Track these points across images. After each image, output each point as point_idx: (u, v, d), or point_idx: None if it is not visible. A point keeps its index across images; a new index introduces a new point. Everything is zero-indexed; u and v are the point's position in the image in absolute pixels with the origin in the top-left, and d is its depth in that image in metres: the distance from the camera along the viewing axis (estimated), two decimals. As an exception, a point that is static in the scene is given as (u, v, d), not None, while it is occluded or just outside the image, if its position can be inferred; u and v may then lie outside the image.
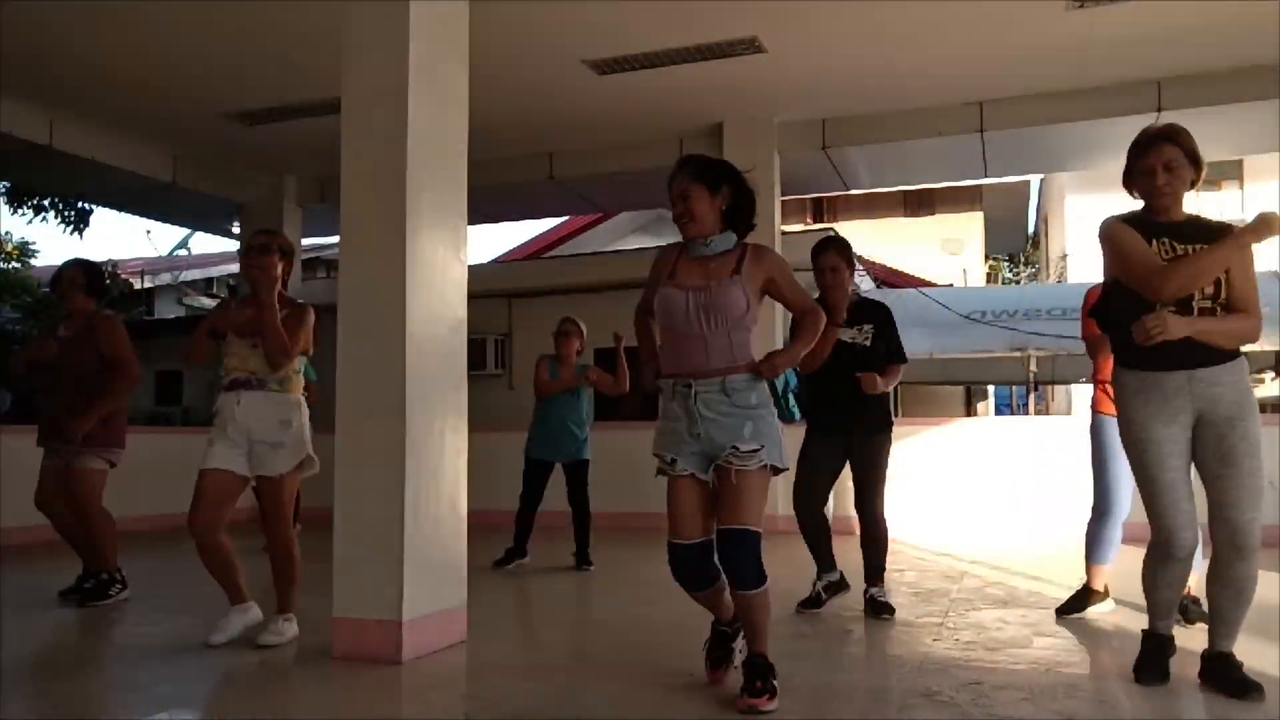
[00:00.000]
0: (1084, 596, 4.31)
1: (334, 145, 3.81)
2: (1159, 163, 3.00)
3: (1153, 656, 3.09)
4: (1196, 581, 3.71)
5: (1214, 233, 2.97)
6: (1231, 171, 16.72)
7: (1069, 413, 16.05)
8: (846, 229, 13.92)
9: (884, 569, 4.41)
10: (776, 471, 2.98)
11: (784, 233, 8.97)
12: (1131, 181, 3.14)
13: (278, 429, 3.81)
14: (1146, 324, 2.81)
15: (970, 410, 17.51)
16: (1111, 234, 3.04)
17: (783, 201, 8.95)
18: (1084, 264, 16.91)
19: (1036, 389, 15.90)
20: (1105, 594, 4.32)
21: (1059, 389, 17.32)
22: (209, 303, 15.73)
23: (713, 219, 3.06)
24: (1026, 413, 17.29)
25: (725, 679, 3.10)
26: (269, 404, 3.83)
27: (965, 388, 16.65)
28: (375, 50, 3.74)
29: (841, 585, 4.52)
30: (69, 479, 4.77)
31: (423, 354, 3.68)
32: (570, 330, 6.07)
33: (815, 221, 17.16)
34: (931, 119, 8.11)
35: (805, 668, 3.37)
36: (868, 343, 4.30)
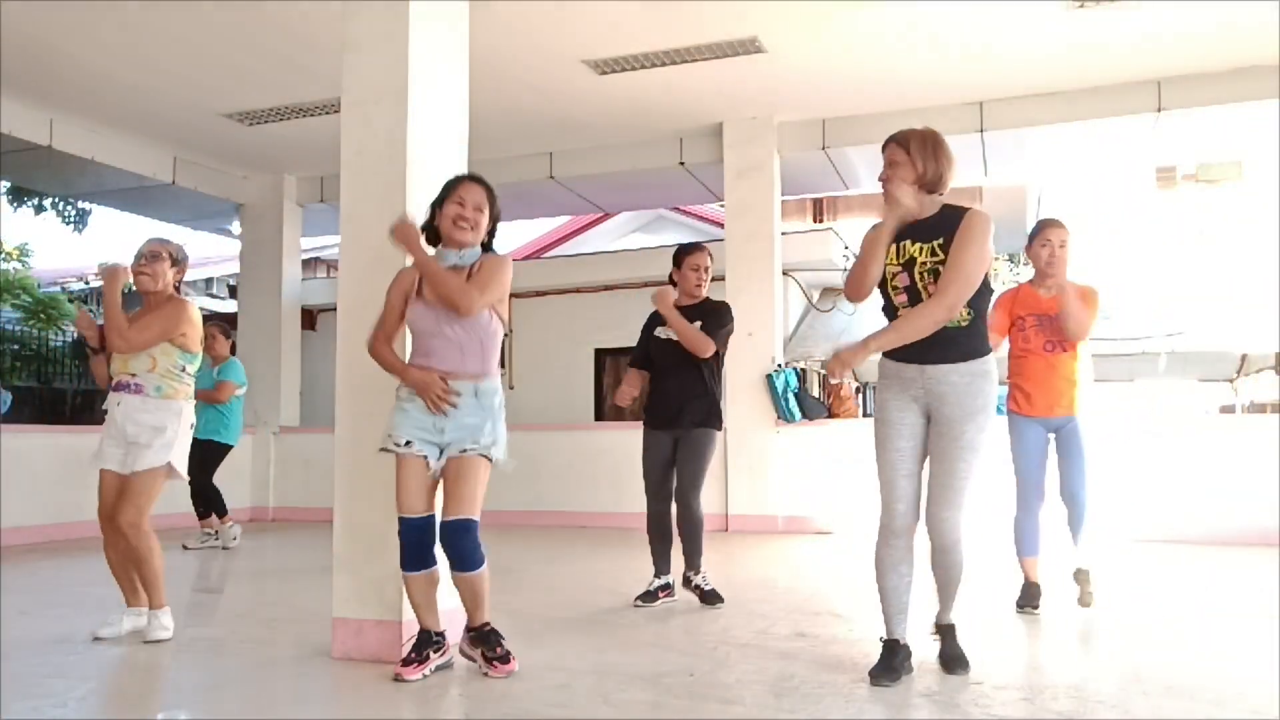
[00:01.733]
0: (1031, 591, 4.35)
1: (334, 145, 3.81)
2: (885, 159, 3.18)
3: (888, 657, 3.14)
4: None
5: (949, 222, 3.06)
6: (1231, 171, 16.73)
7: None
8: (846, 229, 13.92)
9: (701, 554, 4.62)
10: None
11: (784, 233, 8.97)
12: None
13: (149, 433, 3.90)
14: (829, 367, 3.13)
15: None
16: (862, 243, 3.26)
17: (783, 201, 8.94)
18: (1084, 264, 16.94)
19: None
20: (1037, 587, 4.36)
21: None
22: (209, 303, 15.74)
23: (484, 223, 3.37)
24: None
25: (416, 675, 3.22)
26: (145, 409, 3.92)
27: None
28: (375, 50, 3.74)
29: (670, 590, 4.66)
30: None
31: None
32: None
33: (815, 221, 17.15)
34: (931, 119, 8.03)
35: (804, 667, 3.37)
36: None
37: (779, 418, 7.90)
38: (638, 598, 4.62)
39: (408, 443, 3.22)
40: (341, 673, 3.39)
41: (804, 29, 6.60)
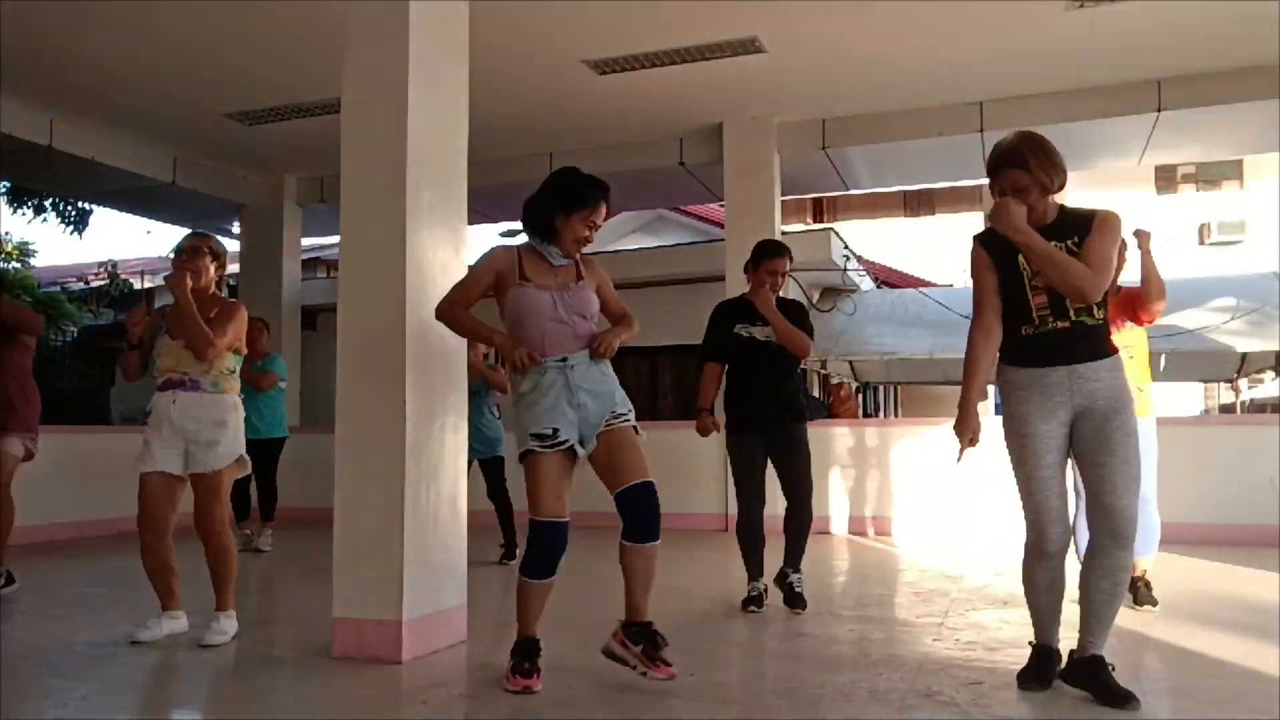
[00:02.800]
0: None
1: (334, 145, 3.81)
2: (1006, 185, 3.02)
3: (1038, 665, 3.05)
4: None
5: (1079, 223, 2.99)
6: (1231, 171, 16.71)
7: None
8: (846, 229, 13.93)
9: (803, 555, 4.51)
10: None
11: (784, 233, 8.97)
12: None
13: (213, 429, 3.85)
14: (996, 213, 2.95)
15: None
16: (970, 261, 3.14)
17: (783, 201, 8.94)
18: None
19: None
20: None
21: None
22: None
23: None
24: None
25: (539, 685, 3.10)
26: (204, 405, 3.86)
27: (965, 388, 16.63)
28: (375, 50, 3.74)
29: (764, 598, 4.53)
30: None
31: (423, 354, 3.68)
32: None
33: (815, 221, 17.16)
34: (931, 119, 8.10)
35: (805, 668, 3.37)
36: (773, 339, 4.46)
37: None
38: (747, 605, 4.45)
39: (555, 431, 3.09)
40: (341, 673, 3.39)
41: (804, 29, 6.60)
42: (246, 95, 7.77)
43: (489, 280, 3.28)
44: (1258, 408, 14.52)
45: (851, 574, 5.86)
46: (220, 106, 8.01)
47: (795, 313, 4.54)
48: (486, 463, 6.32)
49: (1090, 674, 2.92)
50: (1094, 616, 2.95)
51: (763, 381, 4.49)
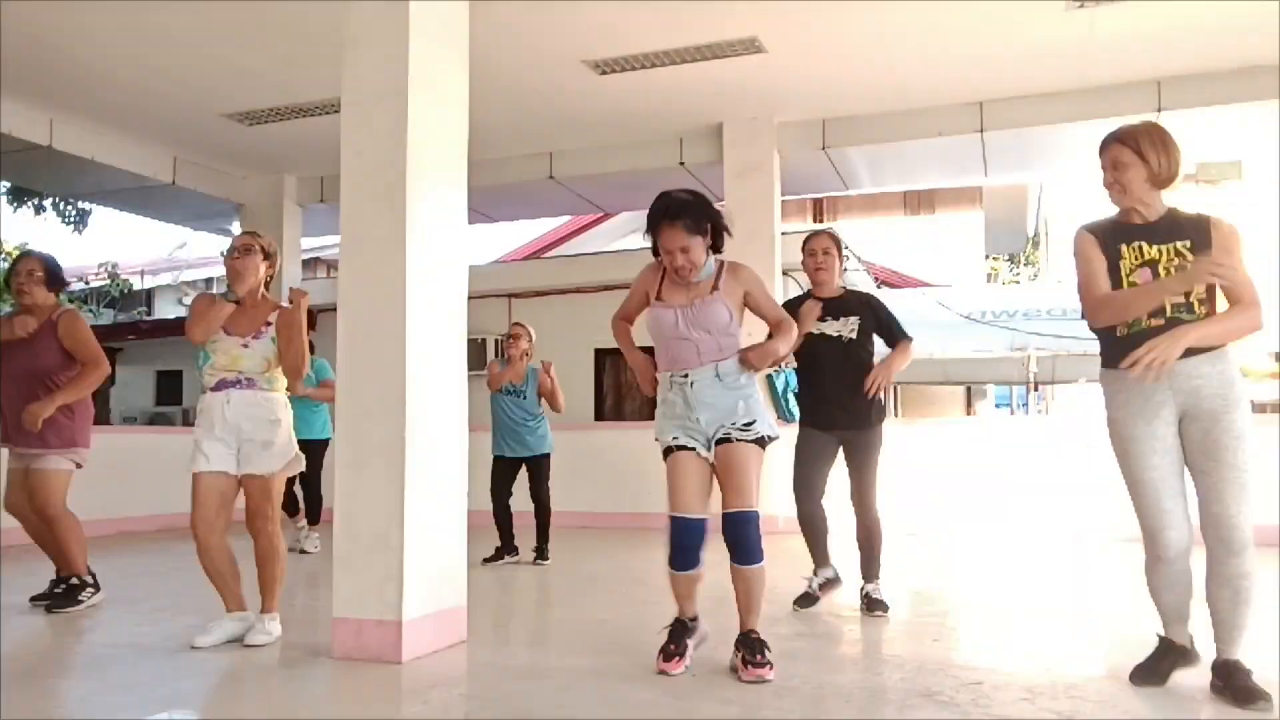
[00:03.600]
0: None
1: (334, 145, 3.81)
2: (1106, 162, 2.99)
3: (1155, 659, 3.04)
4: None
5: (1190, 226, 2.92)
6: (1231, 171, 16.70)
7: (1067, 412, 16.05)
8: (846, 229, 13.92)
9: (879, 564, 4.39)
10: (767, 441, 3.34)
11: (784, 233, 8.96)
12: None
13: (268, 428, 3.81)
14: (1141, 363, 2.73)
15: (970, 410, 17.52)
16: (1075, 247, 3.04)
17: (783, 201, 8.94)
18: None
19: (1037, 389, 15.89)
20: None
21: (1059, 389, 17.32)
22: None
23: (705, 257, 3.35)
24: (1027, 413, 17.29)
25: (679, 669, 3.25)
26: (258, 403, 3.83)
27: (965, 388, 16.65)
28: (375, 50, 3.74)
29: (835, 582, 4.50)
30: (30, 482, 4.57)
31: (423, 354, 3.68)
32: (518, 333, 6.32)
33: (815, 221, 17.15)
34: (931, 119, 8.10)
35: (805, 667, 3.37)
36: (853, 335, 4.34)
37: (779, 417, 7.87)
38: (797, 599, 4.43)
39: (674, 437, 3.30)
40: (341, 673, 3.39)
41: (804, 29, 6.60)
42: (246, 95, 7.77)
43: (640, 297, 3.50)
44: (1258, 408, 14.52)
45: (851, 574, 5.86)
46: (220, 106, 8.01)
47: (872, 310, 4.42)
48: (530, 462, 6.29)
49: (1224, 678, 2.87)
50: (1220, 624, 2.88)
51: (832, 380, 4.35)
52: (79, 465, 4.73)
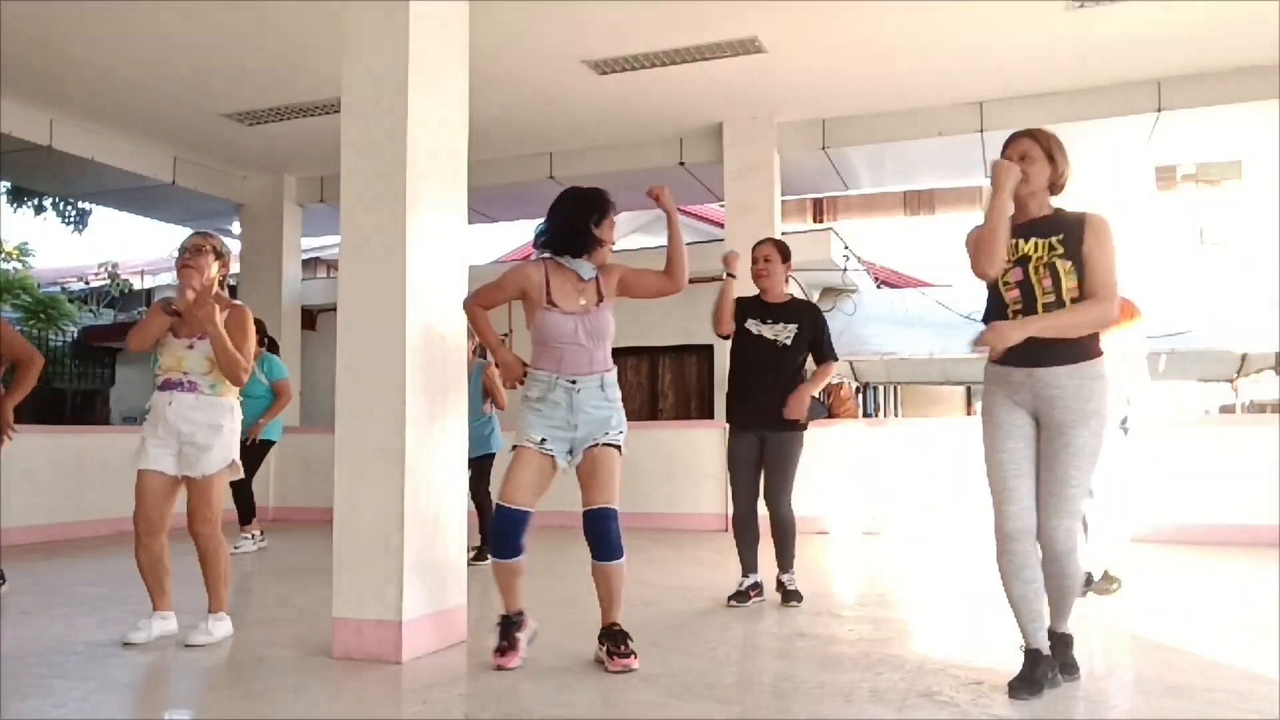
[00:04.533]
0: None
1: (334, 145, 3.81)
2: (1014, 153, 3.08)
3: (1023, 669, 3.01)
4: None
5: (1067, 223, 3.02)
6: (1231, 171, 16.71)
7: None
8: (846, 229, 13.93)
9: (793, 555, 4.62)
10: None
11: (784, 233, 8.97)
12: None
13: (207, 432, 3.84)
14: (982, 338, 2.96)
15: (970, 410, 17.50)
16: (967, 240, 3.15)
17: (783, 201, 8.94)
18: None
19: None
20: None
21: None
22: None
23: None
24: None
25: (515, 662, 3.35)
26: (200, 407, 3.86)
27: (965, 387, 16.64)
28: (375, 50, 3.74)
29: (758, 589, 4.62)
30: None
31: (423, 354, 3.68)
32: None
33: (815, 221, 17.15)
34: (931, 119, 8.10)
35: (804, 668, 3.37)
36: (788, 342, 4.51)
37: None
38: (730, 597, 4.58)
39: (543, 440, 3.37)
40: (341, 673, 3.39)
41: (804, 29, 6.60)
42: (246, 95, 7.77)
43: (514, 293, 3.52)
44: (1258, 408, 14.51)
45: (851, 574, 5.86)
46: (220, 106, 8.01)
47: (810, 318, 4.60)
48: (475, 460, 6.33)
49: (1054, 648, 3.05)
50: (1050, 604, 3.08)
51: (760, 380, 4.53)
52: None
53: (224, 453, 3.88)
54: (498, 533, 3.38)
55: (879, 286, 13.31)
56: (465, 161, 4.02)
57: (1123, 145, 8.50)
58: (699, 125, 8.58)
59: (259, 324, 6.76)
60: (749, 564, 4.63)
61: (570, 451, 3.42)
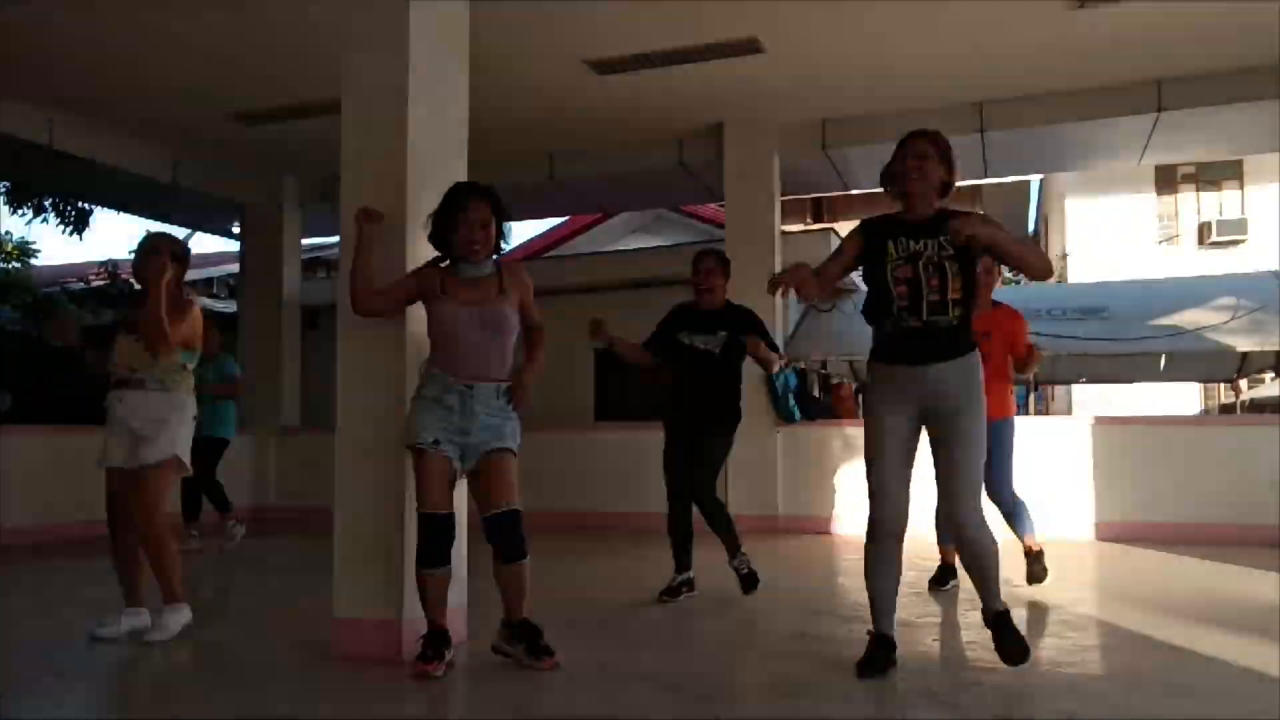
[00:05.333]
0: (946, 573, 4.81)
1: (334, 145, 3.81)
2: (910, 151, 3.24)
3: (872, 652, 3.15)
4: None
5: (951, 218, 3.09)
6: (1231, 171, 16.71)
7: (1069, 413, 16.05)
8: (846, 229, 13.90)
9: (735, 541, 4.75)
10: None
11: (784, 233, 8.96)
12: (889, 184, 3.36)
13: (152, 425, 3.90)
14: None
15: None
16: (845, 237, 3.31)
17: (783, 201, 8.94)
18: (1084, 264, 16.91)
19: (1036, 389, 15.89)
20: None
21: (1059, 389, 17.32)
22: (209, 302, 15.73)
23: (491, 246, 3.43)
24: (1026, 413, 17.31)
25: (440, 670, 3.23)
26: (147, 402, 3.92)
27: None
28: (375, 50, 3.74)
29: (690, 585, 4.72)
30: None
31: (423, 354, 3.67)
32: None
33: (815, 221, 17.15)
34: (931, 119, 8.05)
35: (804, 668, 3.37)
36: (716, 350, 4.68)
37: (779, 418, 7.90)
38: (660, 594, 4.66)
39: (434, 442, 3.26)
40: (341, 673, 3.39)
41: (804, 29, 6.60)
42: (246, 95, 7.77)
43: (410, 284, 3.42)
44: (1258, 408, 14.51)
45: (851, 574, 5.86)
46: (220, 106, 8.01)
47: (748, 322, 4.76)
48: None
49: (998, 627, 3.14)
50: (978, 588, 3.19)
51: (691, 388, 4.71)
52: None
53: (166, 446, 3.91)
54: (429, 540, 3.28)
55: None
56: (465, 162, 4.01)
57: (1123, 145, 8.51)
58: (699, 125, 8.57)
59: (210, 324, 6.80)
60: (684, 560, 4.75)
61: (463, 458, 3.32)
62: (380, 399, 3.61)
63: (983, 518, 3.14)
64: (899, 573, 3.21)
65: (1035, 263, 3.17)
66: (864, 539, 3.22)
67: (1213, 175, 16.91)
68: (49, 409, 13.74)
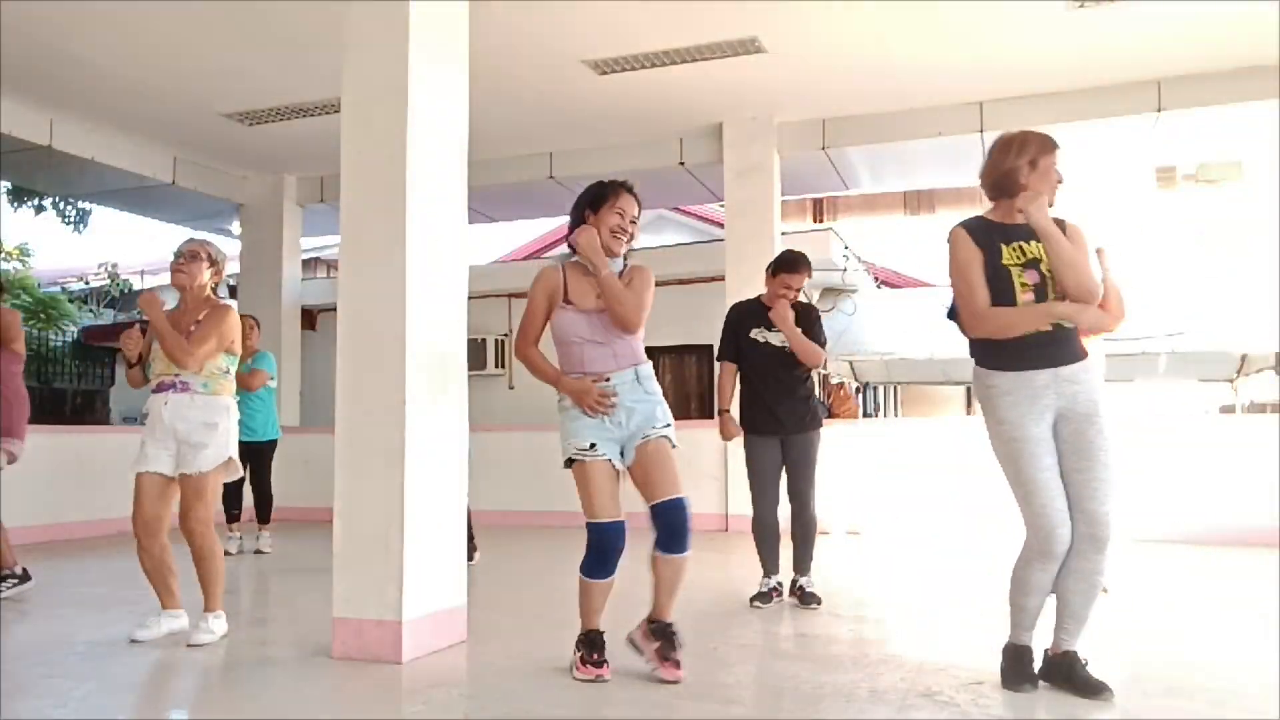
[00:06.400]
0: None
1: (334, 145, 3.82)
2: (1053, 162, 3.15)
3: (1023, 664, 3.07)
4: None
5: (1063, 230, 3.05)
6: (1231, 171, 16.69)
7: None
8: (846, 229, 13.93)
9: (812, 559, 4.65)
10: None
11: (784, 233, 8.96)
12: (1006, 184, 3.14)
13: (202, 430, 3.88)
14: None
15: (970, 410, 17.51)
16: (951, 247, 3.13)
17: (783, 201, 8.94)
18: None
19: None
20: None
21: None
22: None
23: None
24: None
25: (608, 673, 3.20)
26: (194, 406, 3.90)
27: (965, 388, 16.64)
28: (375, 50, 3.74)
29: (779, 591, 4.66)
30: None
31: (423, 354, 3.68)
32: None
33: (815, 221, 17.15)
34: (931, 119, 8.10)
35: (805, 668, 3.37)
36: (787, 345, 4.56)
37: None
38: (753, 599, 4.60)
39: (592, 445, 3.21)
40: (341, 673, 3.39)
41: (804, 29, 6.60)
42: (246, 95, 7.77)
43: (544, 306, 3.35)
44: (1257, 408, 14.50)
45: (851, 574, 5.86)
46: (220, 106, 8.01)
47: (807, 318, 4.62)
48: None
49: (1068, 669, 2.98)
50: (1071, 617, 3.00)
51: (772, 386, 4.58)
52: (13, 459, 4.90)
53: (219, 451, 3.91)
54: (600, 550, 3.22)
55: (879, 286, 13.31)
56: (465, 161, 4.02)
57: (1123, 145, 8.51)
58: (699, 125, 8.58)
59: (253, 322, 6.79)
60: (771, 566, 4.66)
61: (622, 453, 3.27)
62: (380, 399, 3.61)
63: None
64: (1050, 588, 3.05)
65: (1073, 283, 2.99)
66: (1021, 559, 3.06)
67: (1213, 175, 16.90)
68: (50, 409, 13.78)
